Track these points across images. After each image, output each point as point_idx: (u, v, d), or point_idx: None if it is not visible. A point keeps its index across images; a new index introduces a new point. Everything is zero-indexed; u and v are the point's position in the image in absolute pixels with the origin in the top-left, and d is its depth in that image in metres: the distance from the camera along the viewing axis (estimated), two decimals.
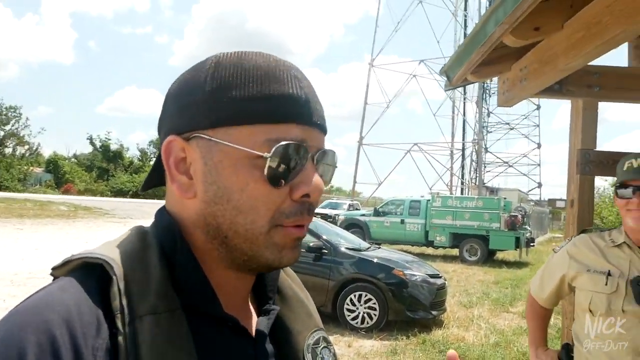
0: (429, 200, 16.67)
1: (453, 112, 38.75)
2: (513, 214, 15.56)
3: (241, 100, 0.57)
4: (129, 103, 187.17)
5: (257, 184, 0.57)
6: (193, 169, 0.60)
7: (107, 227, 18.01)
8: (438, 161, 43.45)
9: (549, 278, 1.92)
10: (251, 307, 0.69)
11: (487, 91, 41.03)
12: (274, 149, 0.56)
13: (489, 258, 15.62)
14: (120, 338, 0.51)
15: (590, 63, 2.27)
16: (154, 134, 59.66)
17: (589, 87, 2.63)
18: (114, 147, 53.90)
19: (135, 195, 44.25)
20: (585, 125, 2.72)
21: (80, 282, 0.54)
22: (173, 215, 0.62)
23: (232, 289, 0.64)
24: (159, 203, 0.81)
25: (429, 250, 16.56)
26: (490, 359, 5.43)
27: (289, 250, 0.61)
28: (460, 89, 40.27)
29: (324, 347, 0.72)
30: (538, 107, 48.62)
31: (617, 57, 2.59)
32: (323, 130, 0.63)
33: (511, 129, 50.21)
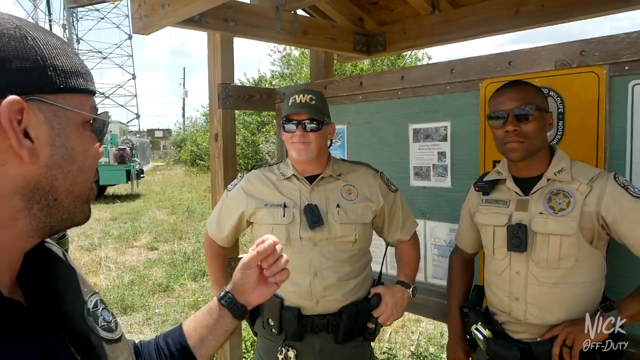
0: None
1: None
2: (121, 147, 15.32)
3: (72, 70, 0.63)
4: None
5: (94, 145, 0.67)
6: (34, 133, 0.59)
7: None
8: None
9: (226, 217, 1.90)
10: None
11: (75, 15, 37.46)
12: (103, 113, 0.68)
13: (100, 195, 15.04)
14: None
15: None
16: None
17: (226, 21, 2.64)
18: None
19: None
20: (224, 60, 2.76)
21: None
22: None
23: (14, 266, 0.64)
24: None
25: None
26: (129, 298, 5.31)
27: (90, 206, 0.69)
28: (45, 9, 35.38)
29: (103, 308, 0.74)
30: (130, 37, 48.06)
31: None
32: None
33: (104, 58, 48.19)
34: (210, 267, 2.00)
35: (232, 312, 0.99)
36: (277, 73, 15.15)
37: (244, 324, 2.19)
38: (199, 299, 5.37)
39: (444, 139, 2.22)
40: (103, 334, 0.71)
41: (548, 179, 1.59)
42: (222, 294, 1.01)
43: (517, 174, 1.67)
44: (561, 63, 1.79)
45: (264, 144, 13.48)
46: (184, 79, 62.17)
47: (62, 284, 0.71)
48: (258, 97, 2.93)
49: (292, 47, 14.76)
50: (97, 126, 0.67)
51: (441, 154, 2.24)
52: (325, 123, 1.77)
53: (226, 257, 2.03)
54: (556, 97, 1.82)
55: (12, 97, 0.56)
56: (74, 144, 0.63)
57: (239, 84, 2.88)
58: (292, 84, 9.61)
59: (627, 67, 1.66)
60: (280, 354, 1.79)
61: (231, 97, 2.77)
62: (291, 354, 1.78)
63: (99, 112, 0.68)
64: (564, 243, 1.53)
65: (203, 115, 23.17)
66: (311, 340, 1.78)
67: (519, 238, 1.58)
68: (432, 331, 4.35)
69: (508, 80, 1.68)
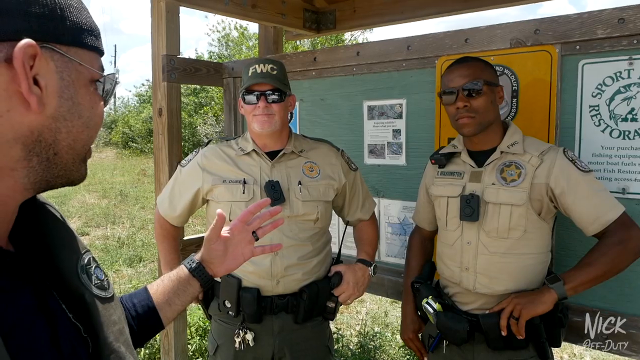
0: None
1: None
2: None
3: (85, 25, 0.63)
4: None
5: (100, 103, 0.67)
6: (44, 82, 0.58)
7: None
8: None
9: (180, 195, 1.80)
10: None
11: None
12: (111, 74, 0.68)
13: None
14: None
15: None
16: None
17: None
18: None
19: None
20: (170, 30, 2.60)
21: None
22: None
23: (8, 219, 0.62)
24: None
25: None
26: None
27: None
28: None
29: (96, 266, 0.73)
30: None
31: None
32: None
33: None
34: (161, 247, 1.88)
35: (201, 281, 1.06)
36: (215, 54, 14.71)
37: (190, 309, 2.09)
38: (137, 285, 5.14)
39: (399, 116, 2.21)
40: (96, 291, 0.69)
41: (501, 152, 1.62)
42: (195, 265, 1.07)
43: (471, 147, 1.70)
44: (516, 41, 1.82)
45: (202, 126, 13.10)
46: (115, 57, 58.88)
47: (56, 239, 0.69)
48: (205, 71, 2.80)
49: (232, 28, 14.36)
50: (105, 86, 0.67)
51: (396, 132, 2.24)
52: (287, 94, 1.71)
53: (178, 237, 1.93)
54: (511, 75, 1.86)
55: (27, 40, 0.54)
56: (82, 99, 0.62)
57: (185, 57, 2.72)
58: None
59: (577, 47, 1.71)
60: (238, 337, 1.72)
61: (176, 69, 2.62)
62: (249, 336, 1.72)
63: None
64: (514, 213, 1.56)
65: (136, 96, 22.09)
66: (270, 321, 1.73)
67: (471, 207, 1.61)
68: (377, 311, 4.42)
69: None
